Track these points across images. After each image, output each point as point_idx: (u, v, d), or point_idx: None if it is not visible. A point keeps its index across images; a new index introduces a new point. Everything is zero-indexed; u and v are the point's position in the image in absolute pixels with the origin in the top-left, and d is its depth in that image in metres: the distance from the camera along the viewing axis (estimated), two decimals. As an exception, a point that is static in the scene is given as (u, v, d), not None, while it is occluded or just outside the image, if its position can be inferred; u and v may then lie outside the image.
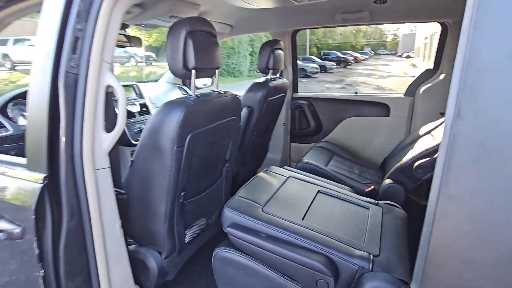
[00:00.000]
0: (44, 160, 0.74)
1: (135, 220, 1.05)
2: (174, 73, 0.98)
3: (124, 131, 1.81)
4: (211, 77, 1.15)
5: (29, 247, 0.75)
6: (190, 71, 0.97)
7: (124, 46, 1.66)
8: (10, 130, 1.37)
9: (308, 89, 12.88)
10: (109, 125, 0.85)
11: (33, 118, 0.76)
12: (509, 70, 0.48)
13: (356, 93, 2.21)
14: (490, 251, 0.53)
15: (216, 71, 1.14)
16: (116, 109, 0.85)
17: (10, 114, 1.39)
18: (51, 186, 0.75)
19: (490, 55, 0.49)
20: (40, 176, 0.74)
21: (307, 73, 16.49)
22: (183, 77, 0.99)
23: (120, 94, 0.82)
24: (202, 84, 2.76)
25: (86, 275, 0.84)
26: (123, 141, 1.67)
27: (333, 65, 19.41)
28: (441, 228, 0.56)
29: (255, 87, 1.73)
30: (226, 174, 1.33)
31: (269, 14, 1.93)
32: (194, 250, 1.22)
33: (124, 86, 2.01)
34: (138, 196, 1.02)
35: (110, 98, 0.86)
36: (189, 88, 2.42)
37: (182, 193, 1.04)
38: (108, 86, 0.81)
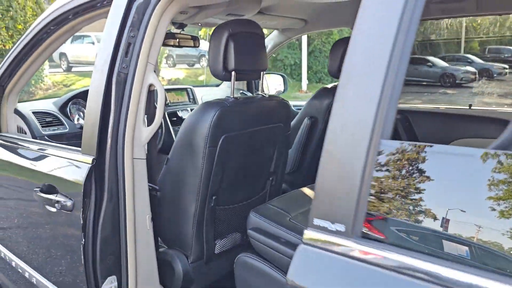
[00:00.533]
0: (94, 145, 1.30)
1: (165, 220, 1.55)
2: (214, 74, 1.48)
3: (172, 138, 2.41)
4: (255, 79, 1.62)
5: (76, 218, 1.30)
6: (230, 73, 1.45)
7: (181, 46, 2.29)
8: (66, 128, 2.09)
9: (454, 103, 12.36)
10: (149, 120, 1.38)
11: (90, 109, 1.34)
12: None
13: (470, 106, 2.40)
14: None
15: (262, 73, 1.61)
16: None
17: (69, 113, 2.11)
18: (97, 168, 1.30)
19: None
20: (90, 158, 1.30)
21: (458, 81, 15.76)
22: (223, 78, 1.49)
23: (160, 93, 1.35)
24: (275, 90, 3.30)
25: (117, 257, 1.36)
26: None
27: (505, 68, 18.10)
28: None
29: (321, 93, 2.14)
30: (270, 188, 1.75)
31: (352, 5, 2.34)
32: (225, 266, 1.65)
33: (178, 89, 2.66)
34: (170, 195, 1.53)
35: (152, 95, 1.40)
36: (252, 93, 2.96)
37: (214, 197, 1.51)
38: (151, 85, 1.35)
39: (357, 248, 0.71)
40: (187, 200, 1.48)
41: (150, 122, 1.38)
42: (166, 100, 2.51)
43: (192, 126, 1.44)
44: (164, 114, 2.50)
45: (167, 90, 2.56)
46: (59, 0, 1.59)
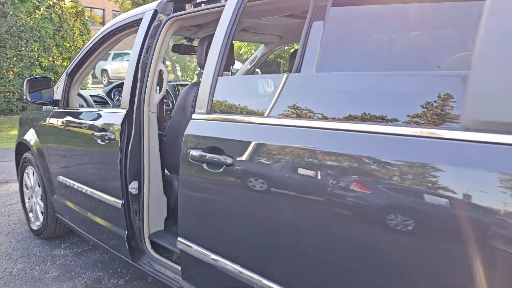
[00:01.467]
0: (127, 103, 2.30)
1: (168, 154, 2.53)
2: (199, 65, 2.46)
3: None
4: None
5: (116, 144, 2.30)
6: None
7: (188, 54, 3.30)
8: (110, 106, 3.13)
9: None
10: (159, 89, 2.38)
11: (126, 83, 2.34)
12: None
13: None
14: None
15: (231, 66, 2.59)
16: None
17: (112, 96, 3.17)
18: (128, 116, 2.30)
19: None
20: (124, 110, 2.30)
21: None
22: (202, 67, 2.47)
23: (165, 74, 2.35)
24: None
25: (138, 169, 2.34)
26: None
27: None
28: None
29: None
30: None
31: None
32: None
33: (185, 84, 3.70)
34: (172, 139, 2.51)
35: (161, 76, 2.40)
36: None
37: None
38: (160, 70, 2.34)
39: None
40: (181, 142, 2.46)
41: (159, 90, 2.39)
42: (167, 79, 3.58)
43: (185, 95, 2.42)
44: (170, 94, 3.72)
45: (180, 85, 3.64)
46: (111, 21, 2.65)
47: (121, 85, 3.35)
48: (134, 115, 2.29)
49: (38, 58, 13.42)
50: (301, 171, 1.33)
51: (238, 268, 1.59)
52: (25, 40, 12.86)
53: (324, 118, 1.32)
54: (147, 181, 2.37)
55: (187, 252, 1.84)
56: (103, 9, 30.54)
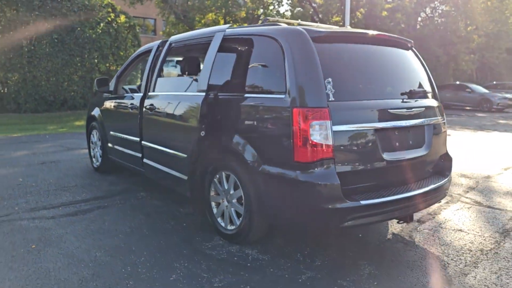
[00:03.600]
0: (143, 90, 4.66)
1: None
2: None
3: None
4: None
5: (137, 113, 4.66)
6: None
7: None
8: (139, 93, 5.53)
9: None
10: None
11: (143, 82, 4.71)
12: None
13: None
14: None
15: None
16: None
17: (137, 88, 5.58)
18: (142, 97, 4.65)
19: None
20: (141, 94, 4.66)
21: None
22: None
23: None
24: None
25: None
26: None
27: None
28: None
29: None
30: None
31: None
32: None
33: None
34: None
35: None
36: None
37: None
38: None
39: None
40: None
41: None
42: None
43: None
44: None
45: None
46: (142, 47, 5.05)
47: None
48: (146, 97, 4.63)
49: (98, 64, 16.39)
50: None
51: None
52: (88, 50, 15.85)
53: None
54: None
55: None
56: (155, 19, 33.99)
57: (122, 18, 17.70)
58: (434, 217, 4.11)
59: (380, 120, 3.05)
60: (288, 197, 2.95)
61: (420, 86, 3.55)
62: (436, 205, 4.27)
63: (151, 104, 4.33)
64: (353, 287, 2.71)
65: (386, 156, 3.04)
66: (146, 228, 3.71)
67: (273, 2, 21.43)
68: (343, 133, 2.85)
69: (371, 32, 3.36)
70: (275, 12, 22.02)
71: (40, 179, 5.43)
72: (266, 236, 3.41)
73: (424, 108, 3.36)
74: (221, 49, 3.54)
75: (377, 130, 3.00)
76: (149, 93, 4.48)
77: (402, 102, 3.21)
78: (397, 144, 3.15)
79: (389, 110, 3.09)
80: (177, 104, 3.90)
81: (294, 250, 3.28)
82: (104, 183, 5.27)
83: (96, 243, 3.35)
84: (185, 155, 3.74)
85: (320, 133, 2.76)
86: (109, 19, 16.92)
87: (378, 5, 21.88)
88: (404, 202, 3.05)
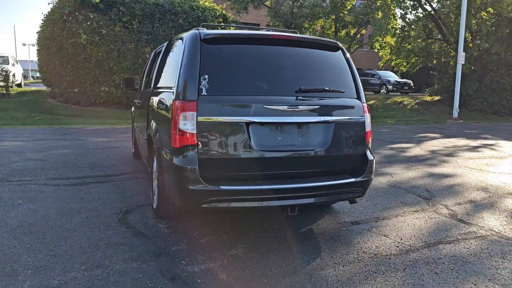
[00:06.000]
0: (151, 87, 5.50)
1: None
2: None
3: None
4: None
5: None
6: None
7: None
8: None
9: None
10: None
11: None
12: None
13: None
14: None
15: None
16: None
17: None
18: (151, 93, 5.50)
19: None
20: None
21: None
22: None
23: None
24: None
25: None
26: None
27: None
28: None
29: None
30: None
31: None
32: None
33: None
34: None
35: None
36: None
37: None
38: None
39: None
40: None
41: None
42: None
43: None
44: None
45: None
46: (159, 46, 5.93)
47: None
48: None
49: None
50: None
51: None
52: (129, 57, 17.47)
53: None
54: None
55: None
56: (258, 24, 35.55)
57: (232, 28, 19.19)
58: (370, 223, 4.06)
59: (254, 115, 3.26)
60: (167, 178, 3.47)
61: (334, 85, 3.59)
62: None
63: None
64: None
65: (259, 148, 3.26)
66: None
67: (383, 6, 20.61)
68: (209, 124, 3.19)
69: (272, 33, 3.62)
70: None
71: (87, 159, 6.69)
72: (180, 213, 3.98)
73: (319, 107, 3.45)
74: (165, 51, 4.31)
75: (249, 123, 3.24)
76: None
77: (297, 100, 3.35)
78: (279, 138, 3.32)
79: (264, 106, 3.27)
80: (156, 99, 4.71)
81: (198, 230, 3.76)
82: (128, 166, 6.30)
83: (64, 205, 4.30)
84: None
85: (186, 123, 3.17)
86: (220, 28, 18.55)
87: None
88: (271, 193, 3.24)
